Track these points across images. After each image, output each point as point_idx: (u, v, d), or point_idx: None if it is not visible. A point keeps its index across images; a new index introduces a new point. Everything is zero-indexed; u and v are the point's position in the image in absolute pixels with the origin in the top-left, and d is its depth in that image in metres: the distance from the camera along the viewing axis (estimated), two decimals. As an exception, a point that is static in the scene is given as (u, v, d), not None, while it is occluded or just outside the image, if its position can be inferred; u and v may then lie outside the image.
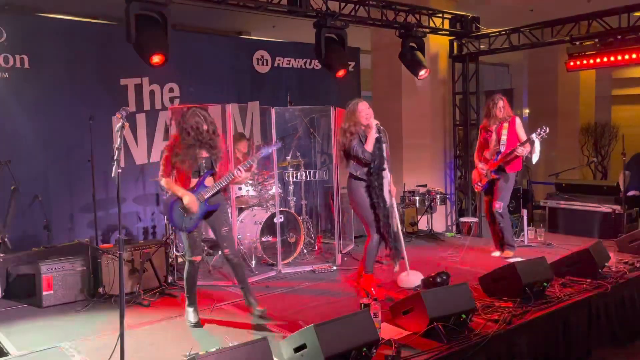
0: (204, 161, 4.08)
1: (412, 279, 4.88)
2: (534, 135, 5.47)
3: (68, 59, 6.03)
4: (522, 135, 5.64)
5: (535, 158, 5.68)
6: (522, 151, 5.52)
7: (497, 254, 5.94)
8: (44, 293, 4.67)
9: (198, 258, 4.17)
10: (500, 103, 5.66)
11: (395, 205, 4.81)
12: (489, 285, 4.46)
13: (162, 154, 4.12)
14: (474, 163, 6.00)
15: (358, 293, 4.75)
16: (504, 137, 5.61)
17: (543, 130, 5.42)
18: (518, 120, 5.71)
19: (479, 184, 5.92)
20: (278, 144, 4.29)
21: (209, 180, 4.09)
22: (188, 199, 3.95)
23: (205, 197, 4.03)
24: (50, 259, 4.82)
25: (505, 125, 5.64)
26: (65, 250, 5.07)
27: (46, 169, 5.92)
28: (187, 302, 4.20)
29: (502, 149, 5.62)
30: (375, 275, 4.86)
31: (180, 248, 5.43)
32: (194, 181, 4.05)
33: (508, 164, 5.65)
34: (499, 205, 5.70)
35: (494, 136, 5.71)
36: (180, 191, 3.98)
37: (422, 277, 4.86)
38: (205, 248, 6.01)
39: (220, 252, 4.32)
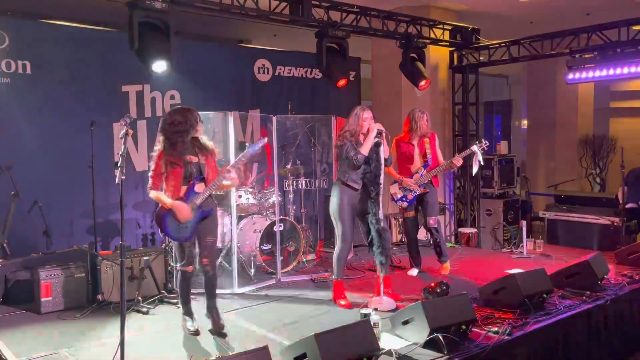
0: (192, 167, 3.97)
1: (385, 304, 4.57)
2: (474, 147, 5.55)
3: (70, 65, 6.04)
4: (439, 152, 5.71)
5: (475, 169, 5.78)
6: (459, 163, 5.56)
7: (414, 272, 5.71)
8: (43, 299, 4.66)
9: (190, 268, 4.08)
10: (425, 117, 5.57)
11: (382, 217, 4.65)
12: (489, 296, 4.46)
13: (149, 167, 4.01)
14: (394, 177, 5.63)
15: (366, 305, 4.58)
16: (428, 151, 5.57)
17: (484, 143, 5.60)
18: (436, 137, 5.73)
19: (404, 199, 5.59)
20: (263, 140, 4.08)
21: (199, 187, 3.98)
22: (180, 209, 3.85)
23: (198, 203, 3.94)
24: (49, 265, 4.81)
25: (427, 140, 5.59)
26: (65, 257, 5.06)
27: (46, 174, 5.91)
28: (182, 312, 4.18)
29: (429, 162, 5.57)
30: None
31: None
32: (184, 189, 3.95)
33: (435, 177, 5.62)
34: (434, 221, 5.63)
35: (416, 150, 5.60)
36: (169, 202, 3.87)
37: (395, 304, 4.59)
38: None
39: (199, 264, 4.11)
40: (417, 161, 5.61)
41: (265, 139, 4.21)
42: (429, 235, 5.77)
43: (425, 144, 5.59)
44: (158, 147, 3.94)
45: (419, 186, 5.54)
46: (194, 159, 3.98)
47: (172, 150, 3.89)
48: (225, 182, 4.00)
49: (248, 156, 4.04)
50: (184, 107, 4.03)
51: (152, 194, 3.93)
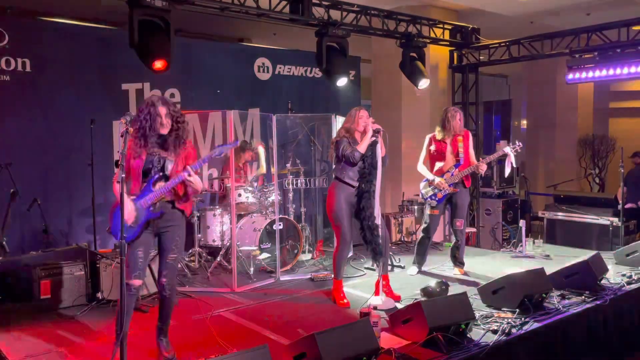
0: (154, 161, 3.48)
1: (385, 303, 4.54)
2: (508, 149, 5.47)
3: (69, 63, 6.04)
4: (472, 151, 5.55)
5: (507, 171, 5.68)
6: (484, 169, 5.42)
7: (414, 271, 5.67)
8: (42, 297, 4.65)
9: (137, 282, 3.51)
10: (458, 116, 5.45)
11: (380, 216, 4.60)
12: (488, 295, 4.46)
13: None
14: (423, 174, 5.56)
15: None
16: (461, 150, 5.45)
17: (517, 145, 5.47)
18: (471, 135, 5.64)
19: (434, 198, 5.47)
20: (235, 143, 3.81)
21: (158, 185, 3.49)
22: (125, 207, 3.21)
23: (150, 202, 3.46)
24: (49, 263, 4.81)
25: (460, 138, 5.47)
26: (64, 255, 5.05)
27: (46, 172, 5.91)
28: (116, 342, 3.43)
29: (461, 161, 5.45)
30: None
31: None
32: (142, 185, 3.51)
33: (467, 178, 5.49)
34: (461, 223, 5.53)
35: (448, 148, 5.49)
36: (116, 199, 3.32)
37: (394, 303, 4.57)
38: (204, 254, 6.02)
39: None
40: (449, 160, 5.49)
41: (237, 142, 3.98)
42: (454, 236, 5.66)
43: (458, 142, 5.45)
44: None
45: (449, 185, 5.44)
46: (163, 154, 3.50)
47: (137, 141, 3.46)
48: (190, 179, 3.45)
49: (211, 157, 3.63)
50: (168, 110, 3.49)
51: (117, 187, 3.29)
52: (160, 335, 3.70)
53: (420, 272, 5.73)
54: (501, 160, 5.51)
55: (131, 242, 3.45)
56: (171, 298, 3.68)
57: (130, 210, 3.39)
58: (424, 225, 5.64)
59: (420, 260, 5.75)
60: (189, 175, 3.43)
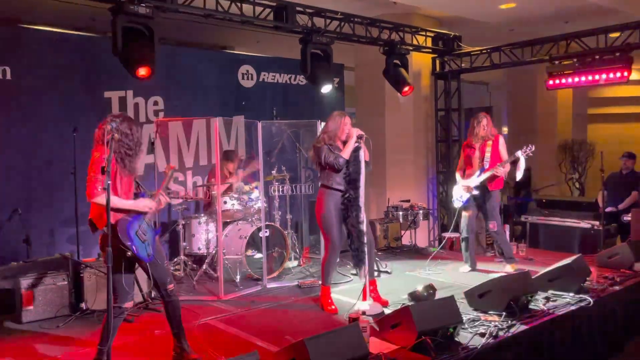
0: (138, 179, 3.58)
1: (373, 308, 4.53)
2: (519, 153, 5.60)
3: (51, 71, 5.96)
4: (504, 155, 5.73)
5: (519, 175, 5.78)
6: (502, 172, 5.62)
7: (465, 269, 5.99)
8: (24, 309, 4.57)
9: (129, 304, 3.55)
10: (484, 121, 5.78)
11: (365, 222, 4.62)
12: (475, 299, 4.49)
13: (99, 165, 3.26)
14: (456, 179, 6.05)
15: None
16: (487, 155, 5.70)
17: (529, 149, 5.58)
18: (502, 140, 5.82)
19: (459, 199, 5.95)
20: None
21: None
22: (144, 205, 3.41)
23: (149, 219, 3.55)
24: (31, 273, 4.72)
25: (489, 143, 5.74)
26: (46, 265, 4.96)
27: (27, 181, 5.81)
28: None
29: (486, 166, 5.71)
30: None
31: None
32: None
33: (491, 181, 5.73)
34: (494, 225, 5.81)
35: (477, 153, 5.79)
36: (129, 203, 3.38)
37: (382, 308, 4.59)
38: (189, 263, 5.96)
39: (163, 290, 3.62)
40: (476, 164, 5.78)
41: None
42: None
43: (486, 147, 5.74)
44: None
45: (474, 189, 5.76)
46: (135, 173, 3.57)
47: (130, 164, 3.47)
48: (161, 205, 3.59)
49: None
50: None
51: (99, 199, 3.22)
52: (181, 340, 3.65)
53: (472, 270, 5.95)
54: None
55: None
56: (179, 301, 3.70)
57: (153, 204, 3.47)
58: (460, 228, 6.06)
59: (468, 259, 6.01)
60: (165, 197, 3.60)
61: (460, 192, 5.93)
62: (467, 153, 5.91)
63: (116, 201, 3.26)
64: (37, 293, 4.63)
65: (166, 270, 3.67)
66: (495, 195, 5.82)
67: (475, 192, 5.77)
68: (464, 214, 5.94)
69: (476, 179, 5.74)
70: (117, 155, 3.37)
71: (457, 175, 6.02)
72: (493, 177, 5.69)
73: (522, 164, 5.68)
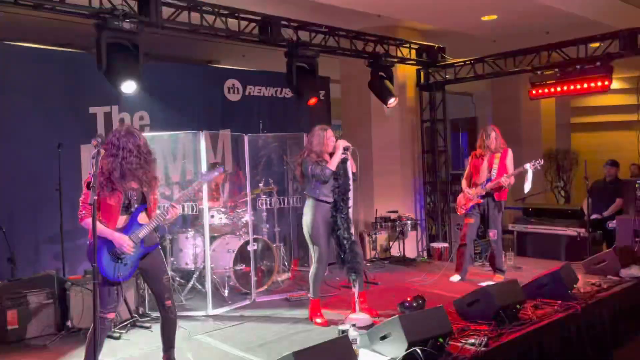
0: (134, 194, 3.50)
1: (362, 320, 4.52)
2: (527, 165, 5.71)
3: (35, 87, 5.90)
4: (511, 168, 5.86)
5: (527, 187, 5.90)
6: (505, 182, 5.73)
7: (456, 278, 6.04)
8: (9, 328, 4.49)
9: (112, 315, 3.52)
10: (493, 134, 5.89)
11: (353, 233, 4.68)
12: (464, 308, 4.50)
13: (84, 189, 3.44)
14: (462, 187, 6.17)
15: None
16: (495, 167, 5.84)
17: (537, 162, 5.72)
18: (510, 153, 5.95)
19: (463, 207, 6.07)
20: (219, 169, 3.85)
21: (142, 217, 3.53)
22: (122, 242, 3.37)
23: (140, 236, 3.47)
24: (15, 292, 4.64)
25: (497, 155, 5.88)
26: (31, 283, 4.87)
27: (11, 199, 5.73)
28: None
29: (493, 177, 5.83)
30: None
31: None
32: (123, 219, 3.47)
33: (497, 192, 5.84)
34: (494, 234, 5.91)
35: (485, 164, 5.90)
36: (107, 232, 3.36)
37: (371, 319, 4.58)
38: (177, 279, 5.91)
39: (160, 305, 3.65)
40: (482, 175, 5.89)
41: (222, 168, 4.06)
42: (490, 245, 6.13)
43: (494, 159, 5.87)
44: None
45: (479, 197, 5.89)
46: (135, 186, 3.52)
47: (119, 179, 3.44)
48: (167, 217, 3.59)
49: (198, 187, 3.69)
50: (142, 136, 3.58)
51: (87, 222, 3.32)
52: (170, 358, 3.67)
53: (462, 279, 6.01)
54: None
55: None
56: (176, 319, 3.72)
57: (130, 244, 3.41)
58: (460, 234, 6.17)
59: (460, 268, 6.06)
60: (175, 209, 3.58)
61: (464, 200, 6.04)
62: (474, 163, 6.03)
63: (100, 226, 3.31)
64: (21, 312, 4.55)
65: (165, 285, 3.65)
66: (499, 206, 5.94)
67: (482, 200, 5.90)
68: (466, 221, 6.04)
69: (481, 189, 5.86)
70: (105, 170, 3.39)
71: (463, 183, 6.13)
72: (499, 188, 5.81)
73: (529, 176, 5.79)
